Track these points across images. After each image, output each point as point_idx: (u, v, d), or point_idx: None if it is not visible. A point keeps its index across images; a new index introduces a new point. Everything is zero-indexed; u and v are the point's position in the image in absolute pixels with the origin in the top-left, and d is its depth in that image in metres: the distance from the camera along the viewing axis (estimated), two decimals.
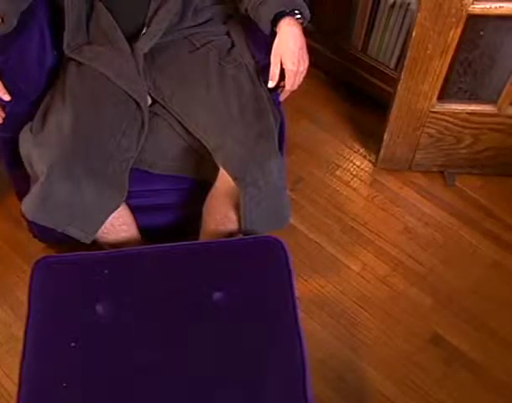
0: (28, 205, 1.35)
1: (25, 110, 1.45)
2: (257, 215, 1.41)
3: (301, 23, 1.40)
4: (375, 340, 1.72)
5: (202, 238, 1.52)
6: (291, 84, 1.40)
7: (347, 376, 1.66)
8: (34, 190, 1.34)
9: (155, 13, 1.46)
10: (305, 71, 1.40)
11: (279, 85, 1.42)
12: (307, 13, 1.41)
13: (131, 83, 1.45)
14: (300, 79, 1.40)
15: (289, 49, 1.36)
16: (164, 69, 1.50)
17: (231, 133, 1.39)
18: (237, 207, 1.42)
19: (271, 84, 1.41)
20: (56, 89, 1.48)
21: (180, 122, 1.48)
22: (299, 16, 1.38)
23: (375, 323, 1.75)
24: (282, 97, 1.47)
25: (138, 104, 1.45)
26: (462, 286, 1.81)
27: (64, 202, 1.34)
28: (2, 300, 1.77)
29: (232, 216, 1.46)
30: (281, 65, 1.38)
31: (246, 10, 1.47)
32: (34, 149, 1.36)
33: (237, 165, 1.37)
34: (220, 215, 1.47)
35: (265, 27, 1.41)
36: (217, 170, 1.45)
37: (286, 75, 1.39)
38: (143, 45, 1.47)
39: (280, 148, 1.47)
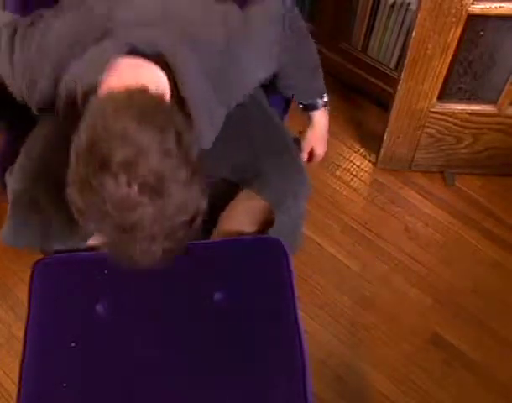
0: (3, 233, 1.32)
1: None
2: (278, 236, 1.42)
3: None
4: (375, 340, 1.72)
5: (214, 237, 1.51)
6: (315, 161, 1.56)
7: (347, 376, 1.66)
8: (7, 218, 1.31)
9: None
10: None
11: None
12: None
13: None
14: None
15: (322, 139, 1.51)
16: None
17: (263, 162, 1.37)
18: (254, 220, 1.41)
19: None
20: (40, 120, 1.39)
21: None
22: (325, 104, 1.46)
23: (375, 323, 1.75)
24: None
25: None
26: (462, 286, 1.81)
27: (33, 226, 1.29)
28: (2, 300, 1.77)
29: (249, 227, 1.44)
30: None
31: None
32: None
33: (274, 194, 1.36)
34: (236, 221, 1.45)
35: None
36: None
37: (314, 157, 1.54)
38: None
39: None
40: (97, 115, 0.91)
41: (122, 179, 0.86)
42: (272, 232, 1.39)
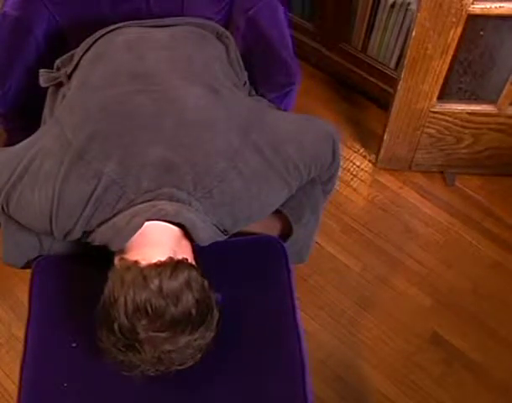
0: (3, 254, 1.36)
1: None
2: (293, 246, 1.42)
3: None
4: (375, 340, 1.72)
5: None
6: None
7: (347, 376, 1.66)
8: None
9: None
10: None
11: None
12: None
13: None
14: None
15: None
16: None
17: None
18: (266, 225, 1.41)
19: None
20: None
21: None
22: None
23: (375, 323, 1.75)
24: None
25: None
26: (462, 286, 1.81)
27: (24, 244, 1.34)
28: (2, 300, 1.77)
29: (259, 229, 1.44)
30: None
31: None
32: None
33: (294, 209, 1.36)
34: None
35: None
36: None
37: None
38: None
39: None
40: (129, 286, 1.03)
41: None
42: (288, 243, 1.39)
